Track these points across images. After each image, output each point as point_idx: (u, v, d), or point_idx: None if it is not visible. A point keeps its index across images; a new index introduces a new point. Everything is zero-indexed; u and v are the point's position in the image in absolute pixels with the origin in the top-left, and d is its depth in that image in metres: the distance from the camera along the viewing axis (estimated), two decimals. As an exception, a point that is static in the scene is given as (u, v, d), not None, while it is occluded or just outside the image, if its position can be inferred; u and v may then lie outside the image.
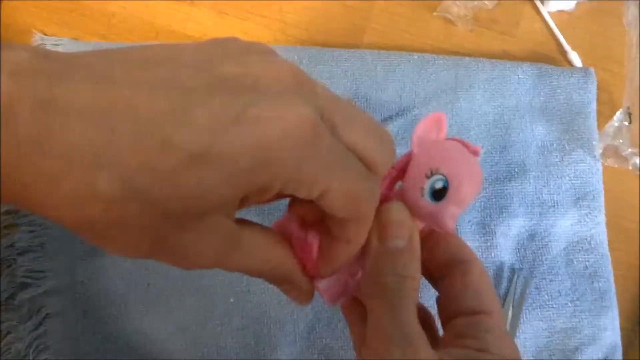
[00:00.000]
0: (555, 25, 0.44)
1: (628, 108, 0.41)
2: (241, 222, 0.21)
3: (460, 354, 0.22)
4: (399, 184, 0.25)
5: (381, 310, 0.21)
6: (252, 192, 0.18)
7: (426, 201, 0.22)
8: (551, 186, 0.41)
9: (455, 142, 0.24)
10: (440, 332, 0.25)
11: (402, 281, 0.22)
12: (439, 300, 0.25)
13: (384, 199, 0.24)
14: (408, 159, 0.24)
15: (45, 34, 0.42)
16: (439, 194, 0.22)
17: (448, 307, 0.24)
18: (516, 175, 0.41)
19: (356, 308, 0.25)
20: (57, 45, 0.41)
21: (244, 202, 0.19)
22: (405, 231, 0.22)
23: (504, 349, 0.22)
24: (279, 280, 0.23)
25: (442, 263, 0.24)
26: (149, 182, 0.16)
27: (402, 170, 0.24)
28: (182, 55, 0.19)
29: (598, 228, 0.40)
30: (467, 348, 0.22)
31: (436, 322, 0.26)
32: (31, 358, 0.37)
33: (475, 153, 0.24)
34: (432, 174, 0.22)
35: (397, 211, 0.23)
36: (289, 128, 0.17)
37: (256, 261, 0.21)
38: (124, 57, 0.18)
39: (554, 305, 0.39)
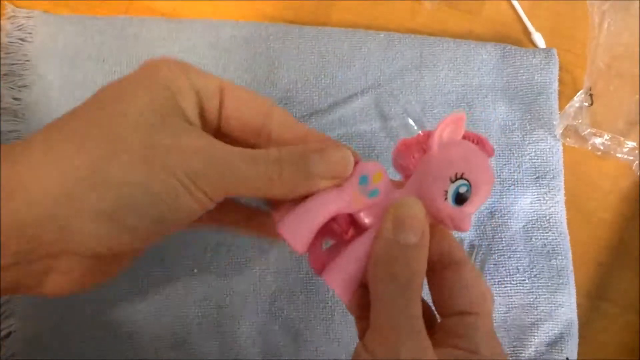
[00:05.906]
0: (520, 6, 0.44)
1: (589, 89, 0.41)
2: None
3: (452, 354, 0.22)
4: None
5: (390, 298, 0.21)
6: None
7: (448, 204, 0.23)
8: (512, 164, 0.41)
9: (472, 144, 0.24)
10: None
11: (411, 275, 0.22)
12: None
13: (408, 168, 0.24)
14: (426, 137, 0.24)
15: (17, 7, 0.43)
16: (462, 199, 0.23)
17: (438, 306, 0.24)
18: (478, 154, 0.41)
19: (359, 301, 0.25)
20: (29, 17, 0.42)
21: None
22: (419, 227, 0.22)
23: (493, 348, 0.23)
24: None
25: (435, 257, 0.24)
26: None
27: (421, 142, 0.24)
28: None
29: (557, 207, 0.41)
30: (458, 348, 0.22)
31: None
32: (-2, 323, 0.38)
33: (490, 153, 0.24)
34: (456, 179, 0.22)
35: (413, 206, 0.23)
36: None
37: None
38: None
39: (512, 282, 0.40)
